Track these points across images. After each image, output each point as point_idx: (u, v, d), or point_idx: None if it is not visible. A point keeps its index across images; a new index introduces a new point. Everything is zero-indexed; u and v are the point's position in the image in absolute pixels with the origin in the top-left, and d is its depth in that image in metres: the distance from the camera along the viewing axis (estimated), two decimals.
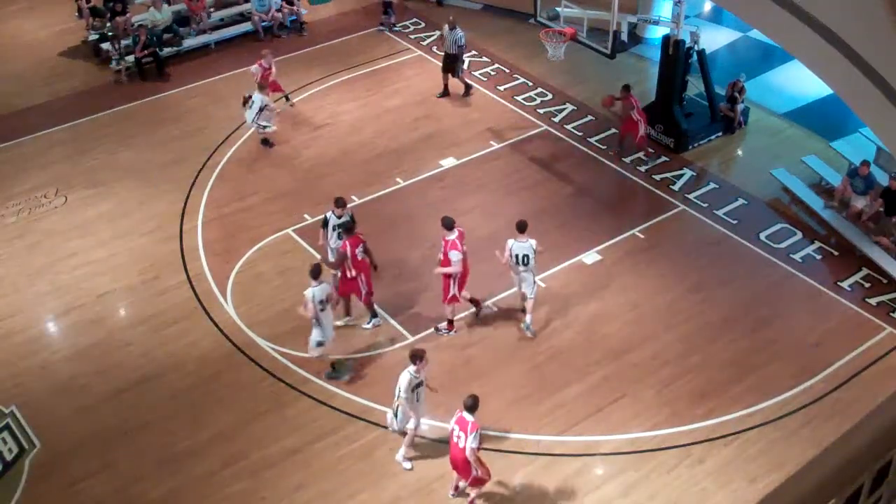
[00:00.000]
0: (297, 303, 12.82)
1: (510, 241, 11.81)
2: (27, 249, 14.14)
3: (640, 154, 15.85)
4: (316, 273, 11.00)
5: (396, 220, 14.53)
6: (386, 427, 10.84)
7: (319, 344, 11.30)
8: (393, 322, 12.54)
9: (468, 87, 17.79)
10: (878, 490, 3.31)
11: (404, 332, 12.37)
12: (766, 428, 10.89)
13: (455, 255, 11.50)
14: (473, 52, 18.93)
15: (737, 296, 12.92)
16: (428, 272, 13.33)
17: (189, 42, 19.68)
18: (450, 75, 17.53)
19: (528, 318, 12.22)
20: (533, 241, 11.75)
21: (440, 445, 10.75)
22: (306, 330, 12.40)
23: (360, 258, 11.73)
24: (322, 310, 11.02)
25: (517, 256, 11.74)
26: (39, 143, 16.83)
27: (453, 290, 11.76)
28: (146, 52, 18.61)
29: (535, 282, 12.08)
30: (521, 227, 11.78)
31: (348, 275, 11.79)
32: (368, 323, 12.42)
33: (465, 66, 18.11)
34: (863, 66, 8.23)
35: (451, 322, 12.25)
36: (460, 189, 15.21)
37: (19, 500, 10.24)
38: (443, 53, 17.69)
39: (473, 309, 12.54)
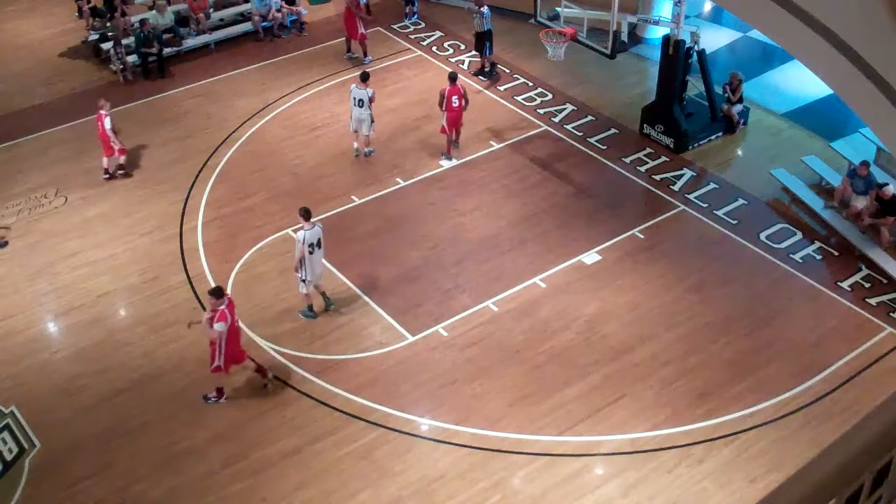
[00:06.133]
0: (297, 303, 12.88)
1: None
2: (27, 249, 14.14)
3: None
4: (307, 215, 12.09)
5: (396, 221, 14.53)
6: (385, 426, 10.88)
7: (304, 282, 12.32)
8: (393, 322, 12.54)
9: (482, 69, 18.39)
10: (878, 490, 3.31)
11: (404, 333, 12.37)
12: (766, 428, 10.88)
13: (220, 326, 10.70)
14: (473, 53, 18.93)
15: (737, 296, 12.91)
16: (428, 272, 13.38)
17: (189, 42, 19.68)
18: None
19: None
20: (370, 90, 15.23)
21: (441, 445, 10.77)
22: (306, 330, 12.48)
23: None
24: (311, 252, 12.11)
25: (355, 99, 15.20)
26: (39, 143, 16.84)
27: (218, 360, 10.93)
28: (151, 48, 18.57)
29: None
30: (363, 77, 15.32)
31: None
32: None
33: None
34: (863, 66, 8.23)
35: (219, 390, 11.37)
36: (460, 189, 15.20)
37: (19, 500, 10.25)
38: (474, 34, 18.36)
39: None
